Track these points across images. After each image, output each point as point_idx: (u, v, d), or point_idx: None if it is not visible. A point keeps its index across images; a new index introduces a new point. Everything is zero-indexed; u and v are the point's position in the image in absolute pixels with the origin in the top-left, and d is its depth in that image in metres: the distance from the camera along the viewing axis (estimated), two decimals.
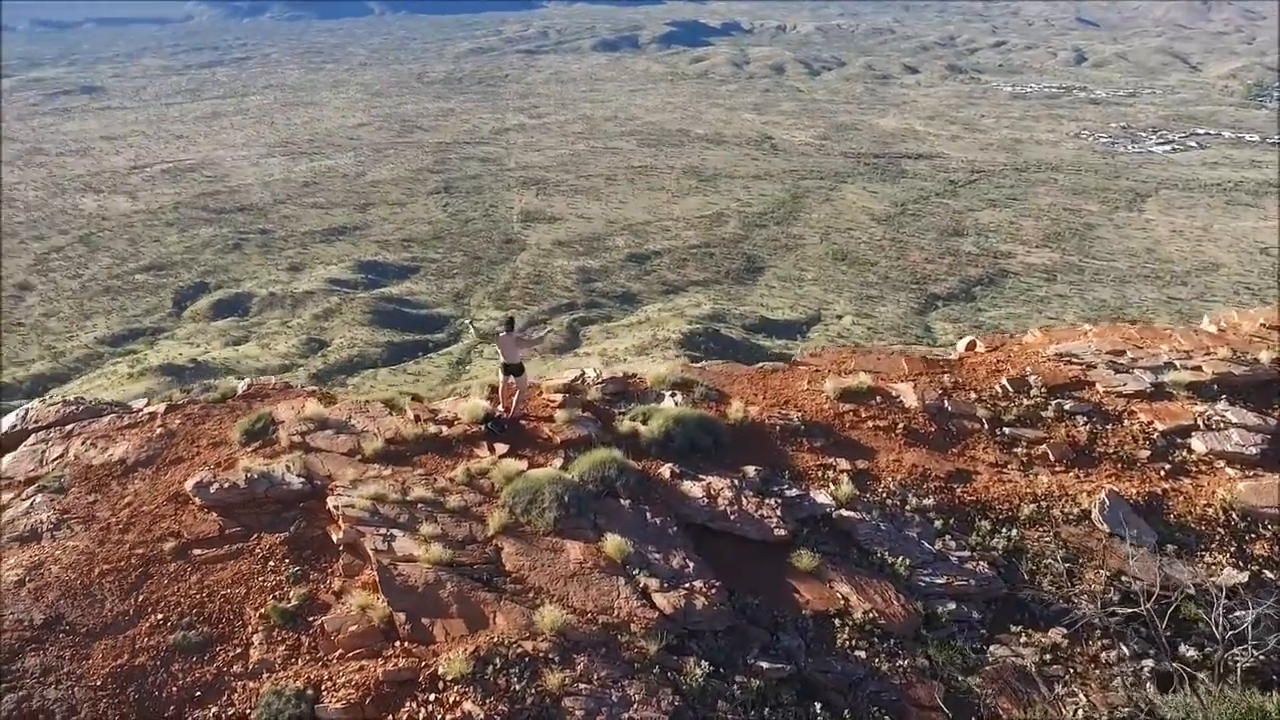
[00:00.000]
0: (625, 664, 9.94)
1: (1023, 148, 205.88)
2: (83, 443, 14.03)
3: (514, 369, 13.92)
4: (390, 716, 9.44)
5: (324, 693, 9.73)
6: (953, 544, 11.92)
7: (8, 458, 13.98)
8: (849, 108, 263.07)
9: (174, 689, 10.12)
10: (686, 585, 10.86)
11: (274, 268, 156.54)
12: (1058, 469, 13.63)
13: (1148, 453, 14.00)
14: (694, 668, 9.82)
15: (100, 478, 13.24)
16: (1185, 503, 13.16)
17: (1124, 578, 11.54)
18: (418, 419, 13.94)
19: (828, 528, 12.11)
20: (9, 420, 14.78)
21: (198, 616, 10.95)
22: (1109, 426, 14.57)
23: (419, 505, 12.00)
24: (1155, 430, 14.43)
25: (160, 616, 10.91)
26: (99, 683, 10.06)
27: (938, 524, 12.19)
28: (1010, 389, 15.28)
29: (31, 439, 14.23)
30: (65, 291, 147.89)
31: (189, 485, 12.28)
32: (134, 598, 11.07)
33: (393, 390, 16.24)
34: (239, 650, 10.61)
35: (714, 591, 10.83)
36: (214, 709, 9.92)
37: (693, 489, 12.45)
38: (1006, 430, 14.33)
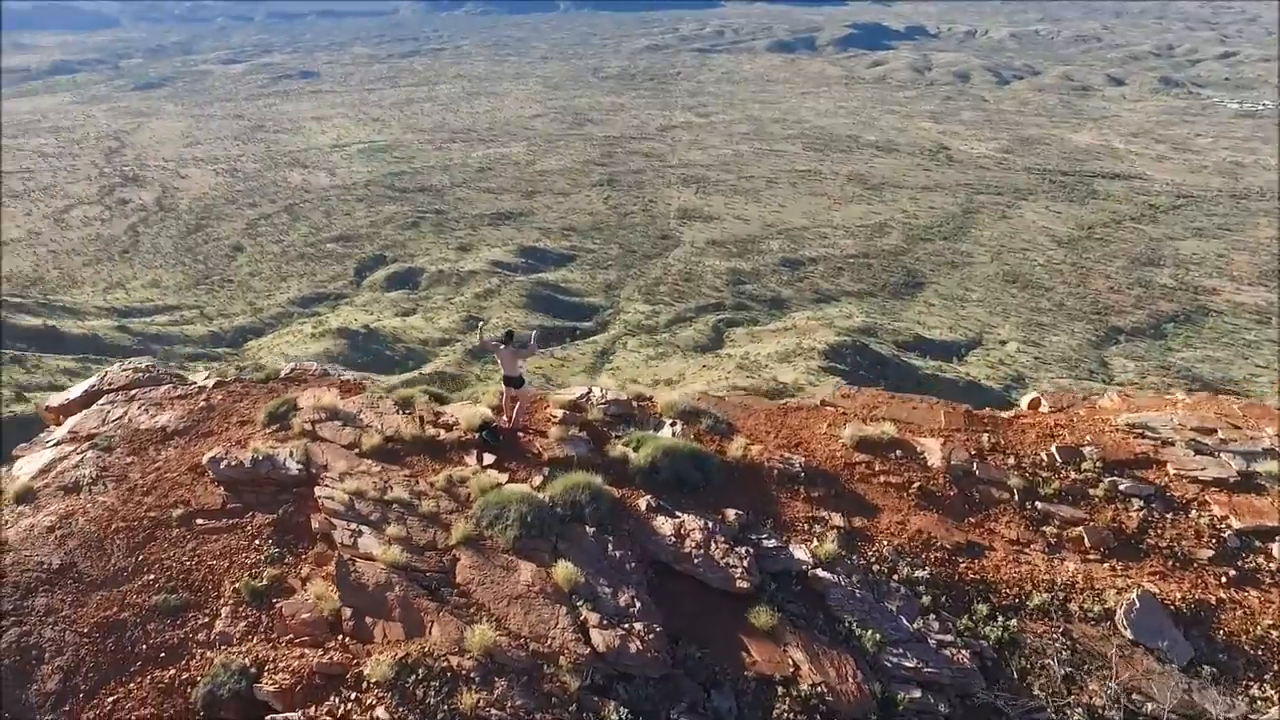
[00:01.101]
0: (543, 696, 9.83)
1: (1244, 172, 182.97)
2: (139, 407, 15.20)
3: (514, 381, 13.92)
4: (314, 708, 9.75)
5: (265, 673, 10.21)
6: (936, 625, 10.94)
7: (79, 414, 15.33)
8: (1038, 120, 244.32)
9: (144, 646, 10.90)
10: (626, 625, 10.51)
11: (445, 246, 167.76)
12: (1090, 556, 12.22)
13: (1211, 553, 12.29)
14: (611, 713, 9.51)
15: (142, 441, 14.33)
16: (1244, 619, 11.42)
17: (1135, 696, 10.18)
18: (420, 420, 14.21)
19: (799, 586, 11.43)
20: (90, 381, 16.27)
21: (182, 582, 11.72)
22: (1169, 515, 12.90)
23: (394, 505, 12.29)
24: (1229, 527, 12.62)
25: (152, 577, 11.74)
26: (86, 630, 10.99)
27: (925, 599, 11.27)
28: (1058, 458, 13.81)
29: (103, 399, 15.59)
30: (269, 255, 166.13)
31: (205, 458, 13.18)
32: (135, 556, 12.00)
33: (414, 389, 16.44)
34: (207, 619, 11.27)
35: (652, 636, 10.41)
36: (172, 670, 10.58)
37: (664, 525, 12.02)
38: (1039, 505, 13.01)
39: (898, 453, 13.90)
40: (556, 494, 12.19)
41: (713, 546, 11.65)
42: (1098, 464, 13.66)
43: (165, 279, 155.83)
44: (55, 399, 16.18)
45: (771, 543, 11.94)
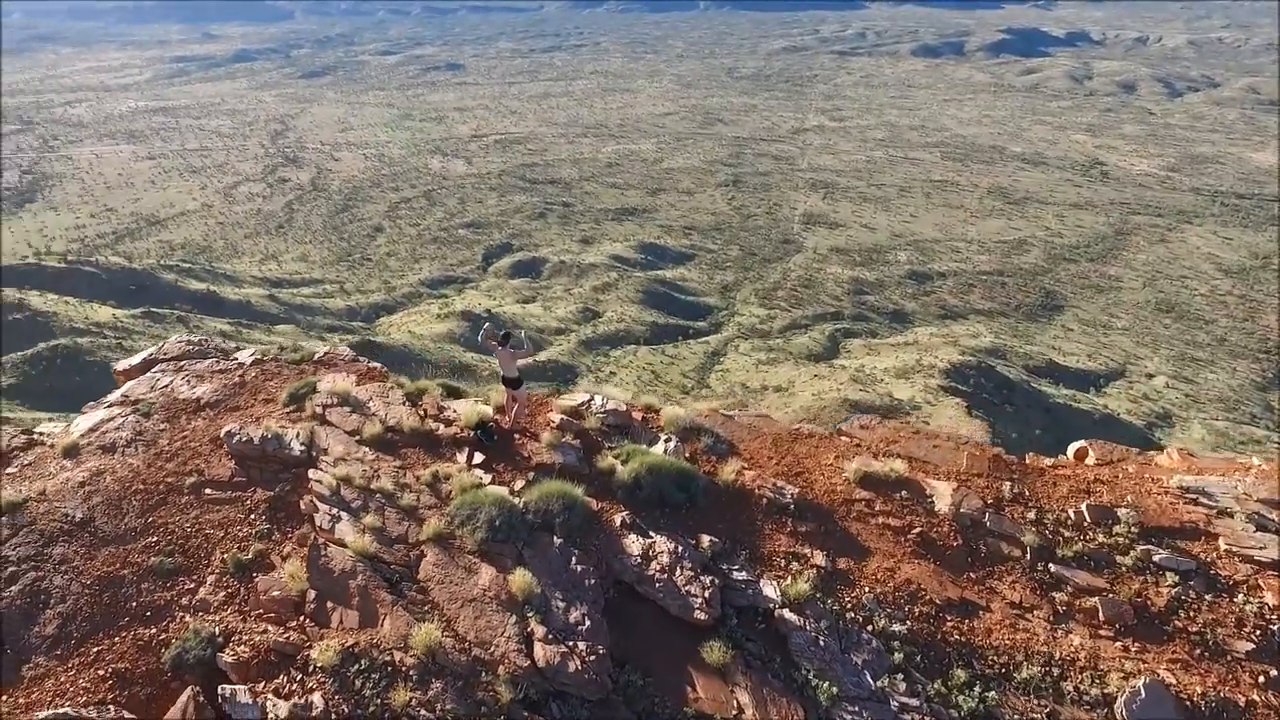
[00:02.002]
0: (474, 704, 9.70)
1: None
2: (183, 378, 15.96)
3: (511, 382, 13.73)
4: (263, 684, 9.99)
5: (230, 644, 10.54)
6: (903, 685, 9.99)
7: (134, 380, 16.30)
8: (1213, 136, 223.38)
9: (135, 604, 11.46)
10: (571, 643, 10.22)
11: (568, 238, 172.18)
12: (1102, 632, 10.83)
13: (1251, 646, 10.58)
14: None
15: (177, 410, 15.03)
16: None
17: None
18: (423, 413, 14.21)
19: (763, 625, 10.74)
20: (150, 350, 17.34)
21: (180, 547, 12.24)
22: (1208, 597, 11.22)
23: (377, 495, 12.38)
24: None
25: (155, 539, 12.34)
26: (89, 582, 11.67)
27: (897, 656, 10.30)
28: (1087, 518, 12.34)
29: (157, 367, 16.54)
30: (406, 237, 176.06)
31: (222, 431, 13.78)
32: (146, 518, 12.65)
33: (430, 381, 16.25)
34: (193, 585, 11.72)
35: (593, 657, 10.08)
36: (153, 629, 11.07)
37: (633, 544, 11.59)
38: (1054, 567, 11.67)
39: (903, 493, 12.86)
40: (531, 500, 11.94)
41: (678, 572, 11.16)
42: (1133, 529, 12.15)
43: (313, 254, 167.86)
44: (123, 364, 17.19)
45: (742, 575, 11.33)
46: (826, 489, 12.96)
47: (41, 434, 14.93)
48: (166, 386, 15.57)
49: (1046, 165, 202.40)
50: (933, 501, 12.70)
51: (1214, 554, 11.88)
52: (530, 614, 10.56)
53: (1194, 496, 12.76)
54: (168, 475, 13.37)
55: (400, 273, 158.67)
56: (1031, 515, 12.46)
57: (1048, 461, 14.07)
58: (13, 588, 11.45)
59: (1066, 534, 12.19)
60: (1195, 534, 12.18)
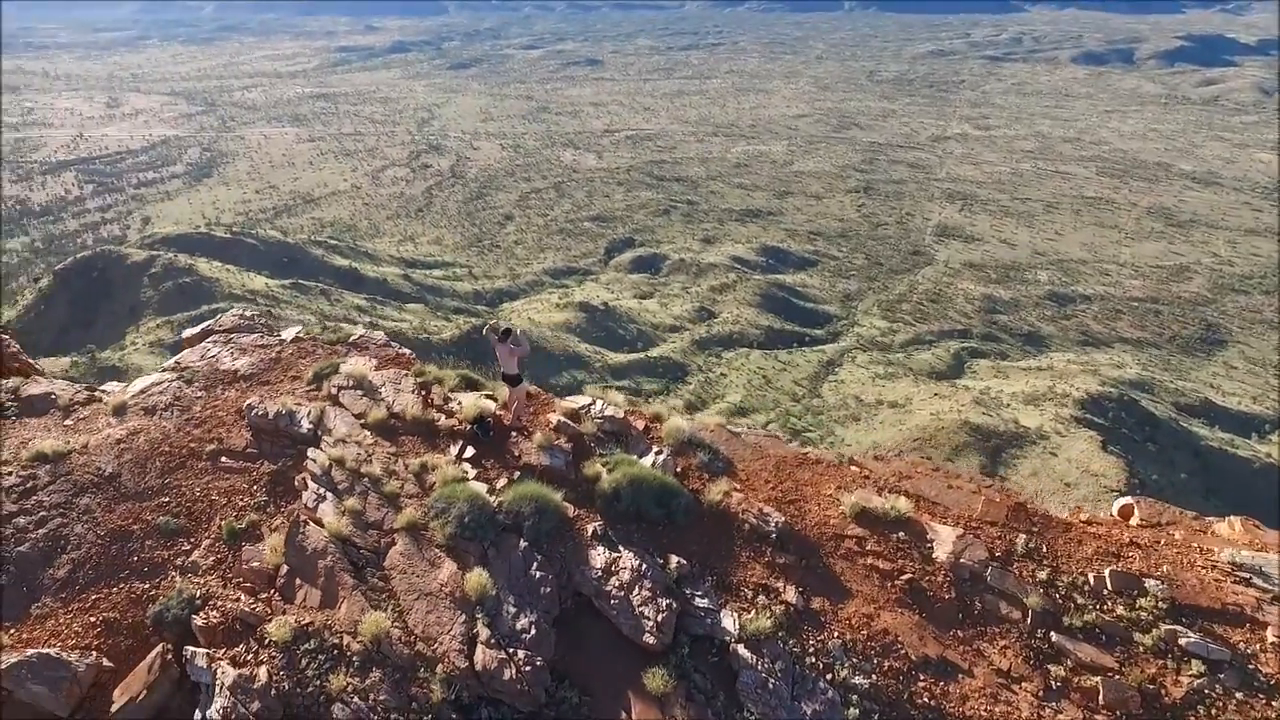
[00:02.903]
0: (406, 698, 9.72)
1: None
2: (228, 350, 16.69)
3: (510, 378, 13.59)
4: (224, 650, 10.38)
5: (206, 607, 11.01)
6: None
7: (189, 349, 17.20)
8: None
9: (136, 559, 12.10)
10: (512, 650, 10.08)
11: (690, 237, 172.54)
12: (1099, 717, 9.61)
13: None
14: None
15: (215, 380, 15.74)
16: None
17: None
18: (429, 402, 14.28)
19: (715, 657, 10.21)
20: (208, 322, 18.25)
21: (186, 510, 12.82)
22: (1239, 695, 9.71)
23: (364, 479, 12.53)
24: None
25: (167, 499, 12.97)
26: (103, 533, 12.41)
27: (853, 712, 9.54)
28: (1109, 585, 10.94)
29: (211, 338, 17.39)
30: (533, 226, 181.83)
31: (245, 404, 14.39)
32: (164, 479, 13.33)
33: (448, 370, 15.80)
34: (189, 547, 12.26)
35: (530, 668, 9.91)
36: (146, 585, 11.70)
37: (598, 557, 11.25)
38: (1056, 636, 10.43)
39: (900, 534, 11.81)
40: (506, 500, 11.79)
41: (636, 590, 10.70)
42: (1161, 604, 10.62)
43: (446, 238, 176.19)
44: (189, 332, 18.30)
45: (704, 602, 10.74)
46: (818, 521, 12.14)
47: (102, 391, 16.06)
48: (213, 357, 16.41)
49: (1220, 185, 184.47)
50: (932, 547, 11.63)
51: (1258, 645, 10.26)
52: (479, 615, 10.46)
53: (1246, 576, 11.06)
54: (192, 440, 14.09)
55: (525, 261, 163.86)
56: (1043, 575, 11.21)
57: (1081, 516, 12.70)
58: (40, 530, 12.31)
59: (1080, 601, 10.89)
60: (1239, 619, 10.55)
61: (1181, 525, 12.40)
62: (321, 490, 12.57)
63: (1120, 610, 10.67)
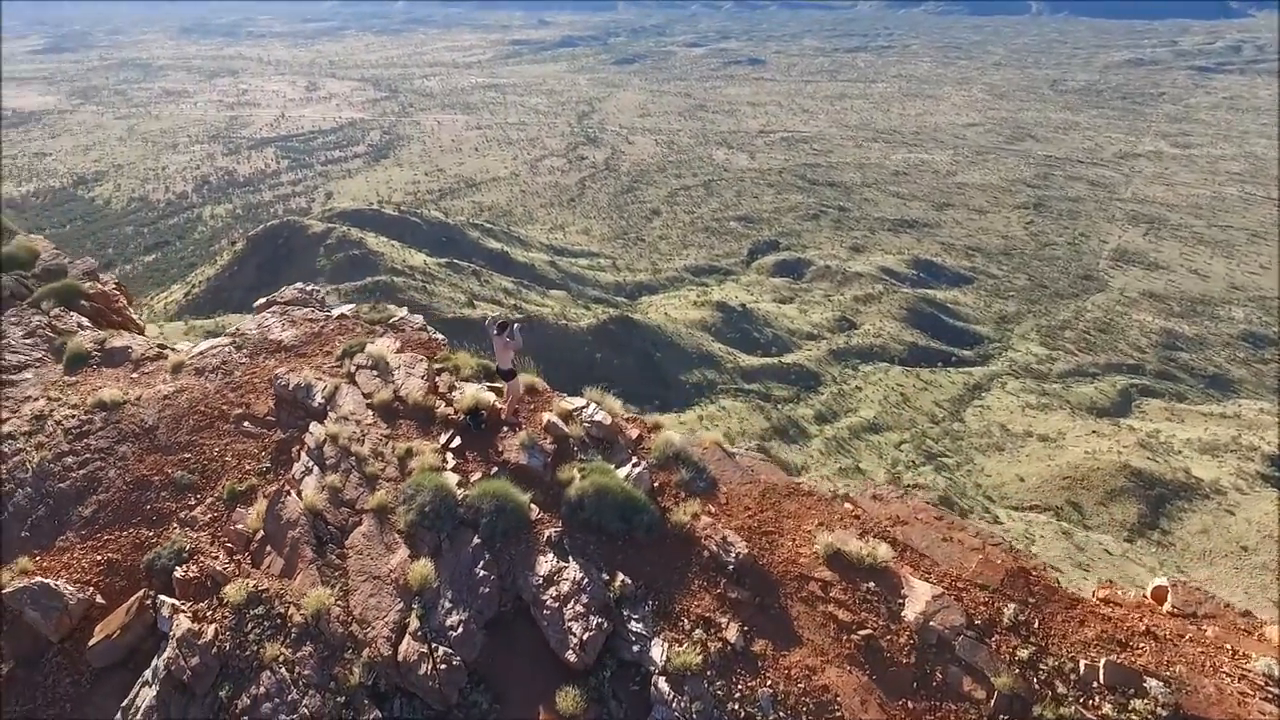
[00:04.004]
0: (328, 677, 9.87)
1: None
2: (280, 321, 17.52)
3: (504, 373, 13.51)
4: (191, 604, 10.92)
5: (191, 560, 11.64)
6: None
7: (249, 318, 18.21)
8: None
9: (148, 508, 12.88)
10: (434, 645, 10.00)
11: (838, 244, 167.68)
12: None
13: None
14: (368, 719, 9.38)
15: (262, 348, 16.53)
16: None
17: None
18: (434, 389, 14.37)
19: (637, 686, 9.66)
20: (267, 298, 19.25)
21: (201, 468, 13.55)
22: None
23: (351, 457, 12.82)
24: None
25: (188, 456, 13.78)
26: (129, 479, 13.31)
27: None
28: (1101, 678, 9.41)
29: (272, 308, 18.38)
30: (679, 223, 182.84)
31: (274, 373, 15.08)
32: (191, 436, 14.16)
33: (466, 356, 15.90)
34: (194, 503, 12.91)
35: (446, 667, 9.78)
36: (149, 533, 12.47)
37: (544, 564, 10.92)
38: None
39: (871, 584, 10.75)
40: (470, 495, 11.71)
41: (571, 604, 10.36)
42: (1160, 710, 9.04)
43: (594, 228, 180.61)
44: (259, 302, 19.54)
45: (639, 627, 10.22)
46: (787, 557, 11.26)
47: (172, 349, 17.46)
48: (267, 326, 17.40)
49: None
50: (903, 603, 10.52)
51: None
52: (415, 606, 10.50)
53: (1275, 689, 9.34)
54: (224, 403, 14.96)
55: (668, 256, 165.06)
56: (1025, 653, 9.87)
57: (1098, 594, 11.15)
58: (80, 471, 13.49)
59: (1060, 690, 9.50)
60: None
61: (1221, 621, 10.64)
62: (310, 463, 13.01)
63: (1106, 709, 9.23)
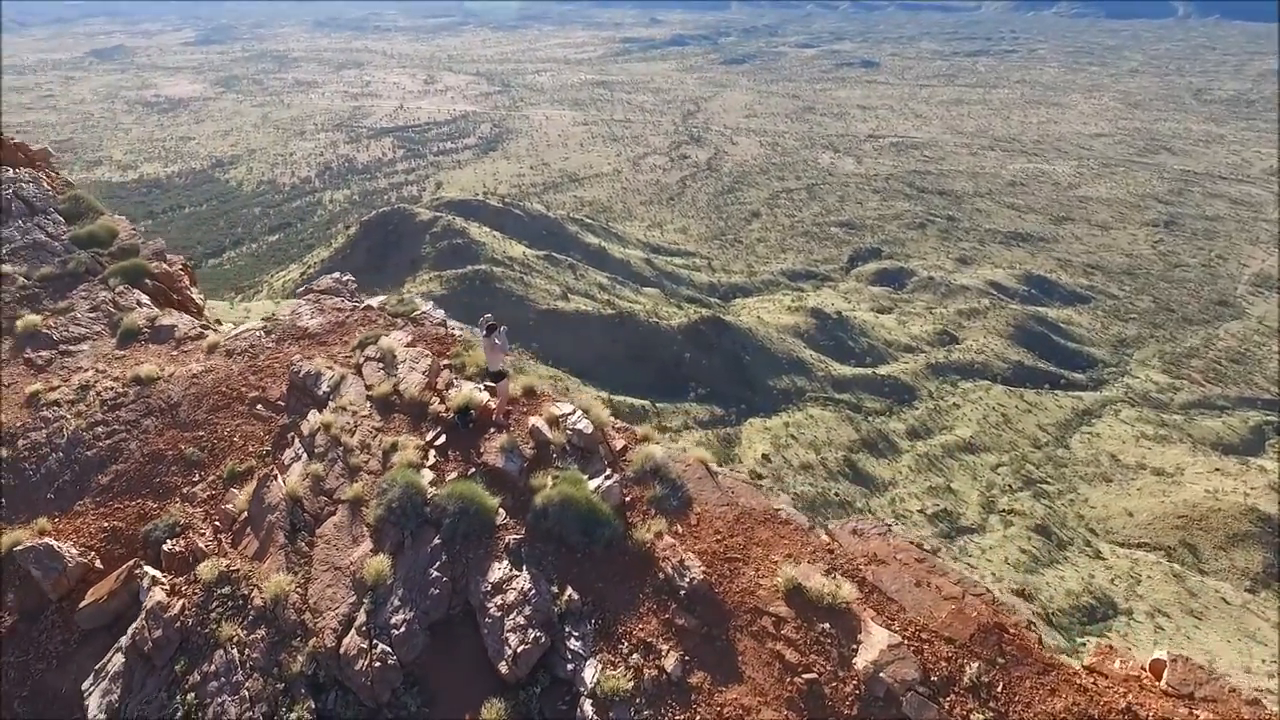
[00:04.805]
0: (273, 662, 10.07)
1: None
2: (310, 309, 17.93)
3: (493, 374, 13.46)
4: (172, 575, 11.41)
5: (179, 535, 12.13)
6: None
7: (286, 302, 18.44)
8: None
9: (157, 481, 13.44)
10: (374, 642, 10.06)
11: (944, 255, 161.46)
12: None
13: None
14: (301, 710, 9.51)
15: (288, 335, 16.95)
16: None
17: None
18: (432, 386, 14.41)
19: (565, 706, 9.45)
20: (306, 285, 19.79)
21: (209, 447, 14.02)
22: None
23: (339, 447, 13.01)
24: None
25: (201, 434, 14.30)
26: (147, 451, 13.96)
27: None
28: None
29: (308, 295, 18.91)
30: (778, 226, 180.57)
31: (291, 360, 15.52)
32: (208, 415, 14.71)
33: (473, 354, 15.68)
34: (198, 479, 13.37)
35: (380, 665, 9.82)
36: (153, 505, 13.02)
37: (496, 571, 10.78)
38: None
39: (827, 625, 10.07)
40: (440, 495, 11.71)
41: (514, 615, 10.19)
42: None
43: (692, 228, 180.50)
44: (299, 289, 20.43)
45: (577, 645, 9.94)
46: (746, 588, 10.69)
47: (213, 329, 18.26)
48: (297, 313, 17.92)
49: None
50: (856, 650, 9.82)
51: None
52: (366, 601, 10.57)
53: None
54: (243, 385, 15.47)
55: (765, 259, 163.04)
56: (981, 716, 9.07)
57: (1081, 662, 10.17)
58: (106, 441, 14.26)
59: None
60: None
61: (1221, 706, 9.39)
62: (300, 450, 13.27)
63: None
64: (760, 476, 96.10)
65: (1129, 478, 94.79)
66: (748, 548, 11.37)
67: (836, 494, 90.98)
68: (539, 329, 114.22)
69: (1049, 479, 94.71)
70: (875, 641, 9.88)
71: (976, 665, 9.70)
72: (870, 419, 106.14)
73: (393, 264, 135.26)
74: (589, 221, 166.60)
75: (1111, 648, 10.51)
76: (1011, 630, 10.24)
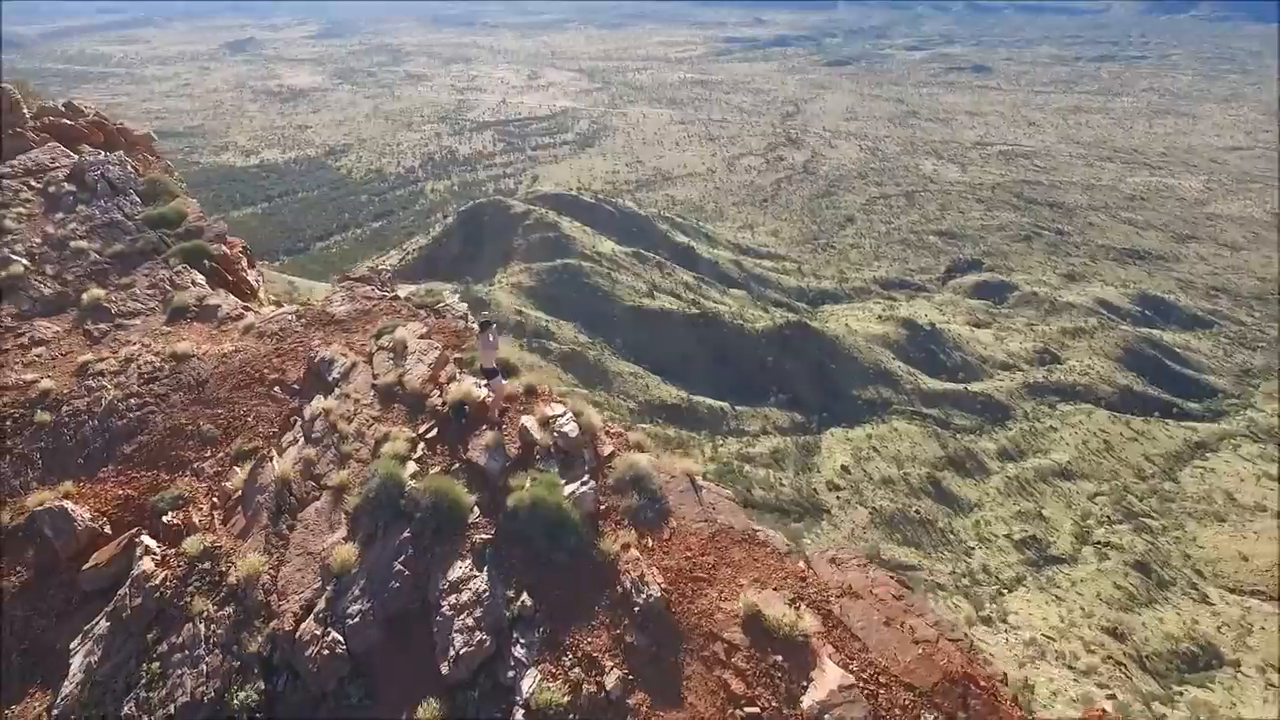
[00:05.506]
0: (234, 639, 10.27)
1: None
2: (344, 296, 18.38)
3: (486, 372, 13.43)
4: (166, 546, 11.85)
5: (179, 509, 12.60)
6: None
7: (325, 287, 18.79)
8: None
9: (174, 453, 14.04)
10: (327, 630, 10.13)
11: (1050, 269, 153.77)
12: None
13: None
14: (249, 692, 9.67)
15: (316, 320, 17.37)
16: None
17: None
18: (434, 379, 14.47)
19: (500, 713, 9.29)
20: (344, 273, 20.12)
21: (226, 425, 14.55)
22: None
23: (334, 434, 13.24)
24: None
25: (219, 410, 14.84)
26: (170, 424, 14.62)
27: None
28: None
29: (345, 283, 19.43)
30: (873, 232, 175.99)
31: (311, 345, 15.93)
32: (230, 394, 15.24)
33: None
34: (210, 455, 13.88)
35: (328, 653, 9.90)
36: (166, 477, 13.60)
37: (457, 570, 10.67)
38: None
39: (780, 658, 9.53)
40: (417, 489, 11.72)
41: (465, 615, 10.07)
42: None
43: (784, 231, 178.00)
44: (337, 276, 20.64)
45: (522, 652, 9.72)
46: (705, 610, 10.23)
47: (252, 311, 18.86)
48: (330, 300, 18.44)
49: None
50: (807, 685, 9.27)
51: None
52: (329, 588, 10.67)
53: None
54: (267, 368, 15.95)
55: (857, 266, 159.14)
56: None
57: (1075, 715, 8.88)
58: (136, 412, 15.00)
59: None
60: None
61: None
62: (298, 434, 13.56)
63: None
64: (838, 488, 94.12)
65: (1246, 519, 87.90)
66: (717, 568, 10.94)
67: (917, 511, 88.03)
68: (623, 325, 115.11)
69: (1153, 513, 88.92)
70: (827, 680, 9.32)
71: (933, 718, 9.09)
72: (959, 436, 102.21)
73: (486, 254, 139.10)
74: (679, 220, 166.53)
75: (1105, 712, 9.66)
76: (982, 683, 9.53)
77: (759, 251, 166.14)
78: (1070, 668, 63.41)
